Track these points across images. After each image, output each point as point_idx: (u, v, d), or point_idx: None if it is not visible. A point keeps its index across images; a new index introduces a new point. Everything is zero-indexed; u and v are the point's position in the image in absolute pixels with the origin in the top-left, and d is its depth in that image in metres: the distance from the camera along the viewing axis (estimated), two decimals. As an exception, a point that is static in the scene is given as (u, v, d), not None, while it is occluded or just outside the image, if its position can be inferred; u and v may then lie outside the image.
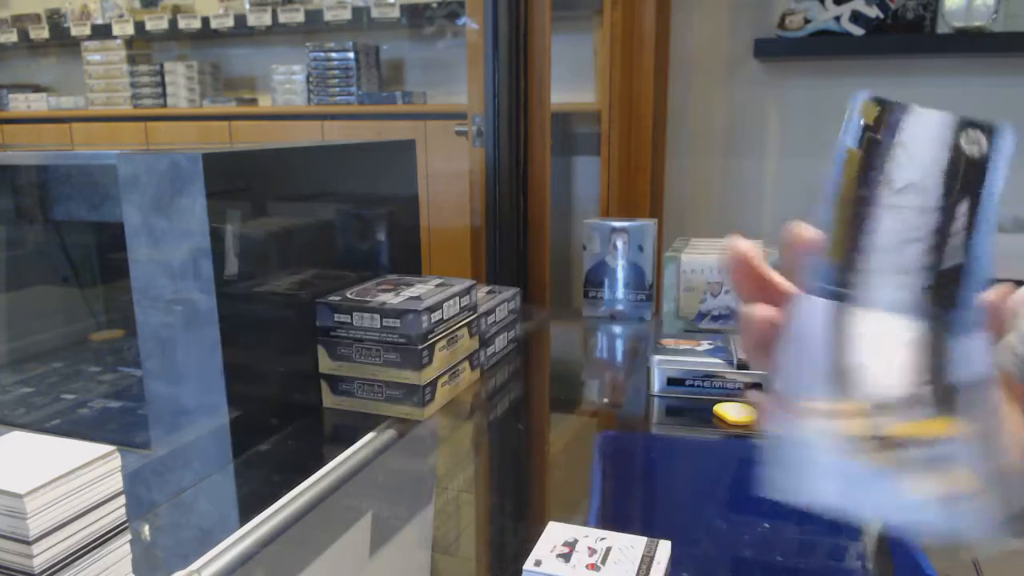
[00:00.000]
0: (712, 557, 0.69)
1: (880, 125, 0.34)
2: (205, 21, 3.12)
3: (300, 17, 2.93)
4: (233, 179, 0.89)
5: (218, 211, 0.84)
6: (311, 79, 2.94)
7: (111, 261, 1.34)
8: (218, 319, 0.84)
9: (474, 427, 1.05)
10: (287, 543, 0.72)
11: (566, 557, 0.57)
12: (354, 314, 0.97)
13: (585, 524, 0.61)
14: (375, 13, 2.82)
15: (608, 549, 0.58)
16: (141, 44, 3.35)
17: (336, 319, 0.98)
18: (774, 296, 0.38)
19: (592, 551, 0.57)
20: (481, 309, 1.13)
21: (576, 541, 0.59)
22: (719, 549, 0.70)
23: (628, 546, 0.58)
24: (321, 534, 0.76)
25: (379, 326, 0.96)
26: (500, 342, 1.22)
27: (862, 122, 0.34)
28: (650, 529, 0.61)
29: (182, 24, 3.15)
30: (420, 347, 0.95)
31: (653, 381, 1.06)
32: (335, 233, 1.08)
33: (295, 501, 0.77)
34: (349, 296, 1.01)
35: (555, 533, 0.60)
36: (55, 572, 0.55)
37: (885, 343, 0.33)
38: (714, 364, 1.04)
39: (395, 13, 2.81)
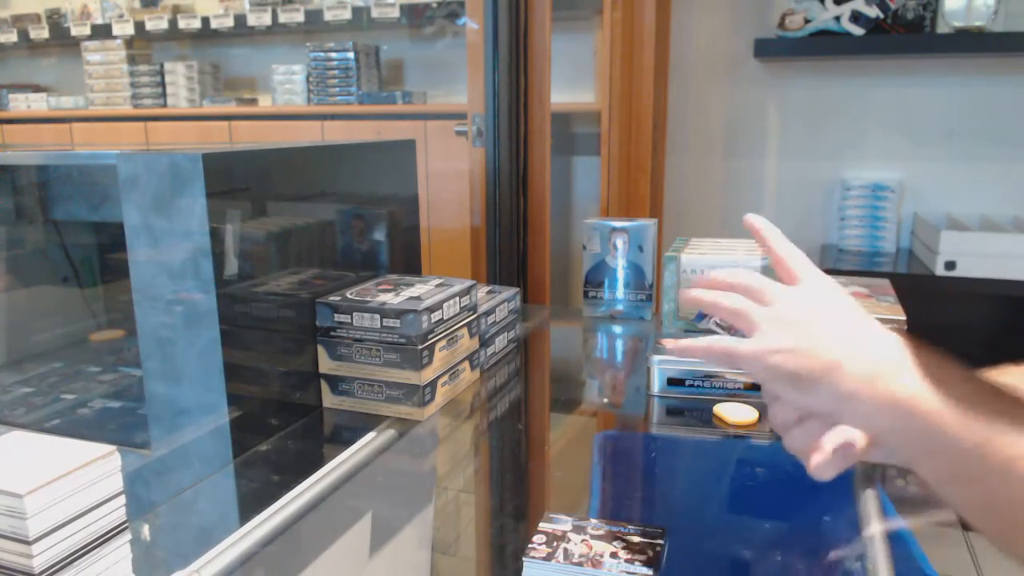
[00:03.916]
0: (712, 557, 0.69)
1: None
2: (205, 21, 3.11)
3: (300, 17, 2.93)
4: (233, 179, 0.89)
5: (218, 211, 0.84)
6: (311, 79, 2.94)
7: (111, 261, 1.34)
8: (218, 319, 0.84)
9: (474, 427, 1.05)
10: (287, 543, 0.72)
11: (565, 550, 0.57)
12: (354, 314, 0.97)
13: (585, 524, 0.61)
14: (375, 13, 2.82)
15: (606, 536, 0.58)
16: (141, 44, 3.35)
17: (336, 319, 0.98)
18: None
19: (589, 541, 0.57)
20: (481, 309, 1.13)
21: (572, 531, 0.59)
22: (719, 549, 0.70)
23: (625, 534, 0.58)
24: (321, 534, 0.76)
25: (379, 326, 0.96)
26: (500, 342, 1.22)
27: None
28: (650, 529, 0.61)
29: (182, 24, 3.15)
30: (420, 347, 0.95)
31: (653, 381, 1.06)
32: (335, 233, 1.08)
33: (295, 501, 0.77)
34: (349, 296, 1.01)
35: (553, 524, 0.60)
36: (55, 572, 0.55)
37: None
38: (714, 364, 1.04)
39: (395, 13, 2.81)
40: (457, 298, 1.04)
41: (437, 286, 1.05)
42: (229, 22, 3.05)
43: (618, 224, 1.41)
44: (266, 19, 2.98)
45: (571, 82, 2.52)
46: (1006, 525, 0.48)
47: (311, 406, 1.02)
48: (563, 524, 0.60)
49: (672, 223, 2.45)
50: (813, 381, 0.52)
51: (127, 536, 0.60)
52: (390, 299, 0.98)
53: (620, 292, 1.43)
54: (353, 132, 2.78)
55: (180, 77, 3.18)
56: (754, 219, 0.62)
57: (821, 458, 0.54)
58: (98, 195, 1.12)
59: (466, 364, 1.08)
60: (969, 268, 1.92)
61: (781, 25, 2.20)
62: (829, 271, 0.59)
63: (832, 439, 0.53)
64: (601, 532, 0.59)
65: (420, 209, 1.29)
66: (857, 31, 2.12)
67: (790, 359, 0.53)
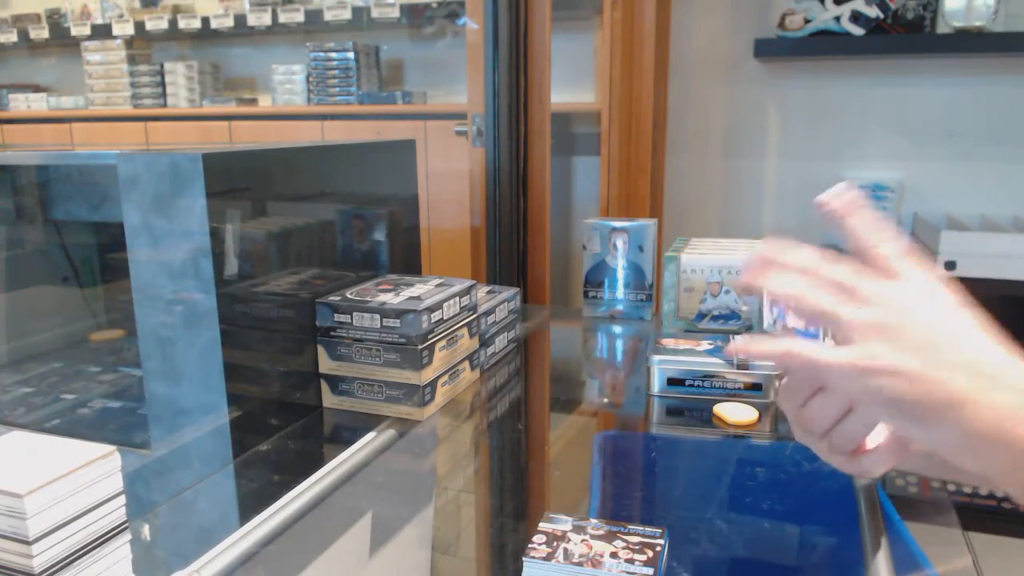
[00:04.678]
0: (712, 557, 0.69)
1: None
2: (205, 21, 3.11)
3: (300, 17, 2.93)
4: (233, 179, 0.89)
5: (218, 211, 0.84)
6: (311, 79, 2.94)
7: (111, 261, 1.34)
8: (218, 319, 0.84)
9: (474, 427, 1.05)
10: (287, 543, 0.72)
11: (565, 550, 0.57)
12: (354, 314, 0.97)
13: (585, 524, 0.61)
14: (375, 13, 2.82)
15: (606, 536, 0.58)
16: (141, 44, 3.35)
17: (336, 319, 0.98)
18: None
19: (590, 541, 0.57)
20: (481, 309, 1.13)
21: (573, 530, 0.59)
22: (719, 549, 0.70)
23: (625, 534, 0.58)
24: (321, 534, 0.76)
25: (379, 326, 0.96)
26: (500, 342, 1.22)
27: None
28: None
29: (182, 24, 3.15)
30: (420, 347, 0.95)
31: (653, 381, 1.06)
32: (335, 233, 1.08)
33: (295, 501, 0.77)
34: (349, 296, 1.01)
35: (553, 524, 0.60)
36: (55, 572, 0.55)
37: None
38: (714, 364, 1.04)
39: (395, 13, 2.81)
40: (457, 298, 1.04)
41: (437, 286, 1.05)
42: (229, 22, 3.05)
43: (618, 224, 1.41)
44: (266, 19, 2.98)
45: (571, 82, 2.52)
46: None
47: (311, 406, 1.02)
48: (563, 524, 0.60)
49: (672, 223, 2.45)
50: (933, 416, 0.41)
51: (127, 536, 0.60)
52: (390, 299, 0.98)
53: (620, 292, 1.43)
54: (353, 132, 2.78)
55: (180, 77, 3.18)
56: (834, 193, 0.47)
57: (874, 461, 0.47)
58: (98, 195, 1.12)
59: (466, 364, 1.08)
60: (969, 268, 1.92)
61: (781, 25, 2.20)
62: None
63: (885, 444, 0.46)
64: (601, 532, 0.59)
65: (420, 209, 1.29)
66: (857, 31, 2.12)
67: (904, 385, 0.41)
